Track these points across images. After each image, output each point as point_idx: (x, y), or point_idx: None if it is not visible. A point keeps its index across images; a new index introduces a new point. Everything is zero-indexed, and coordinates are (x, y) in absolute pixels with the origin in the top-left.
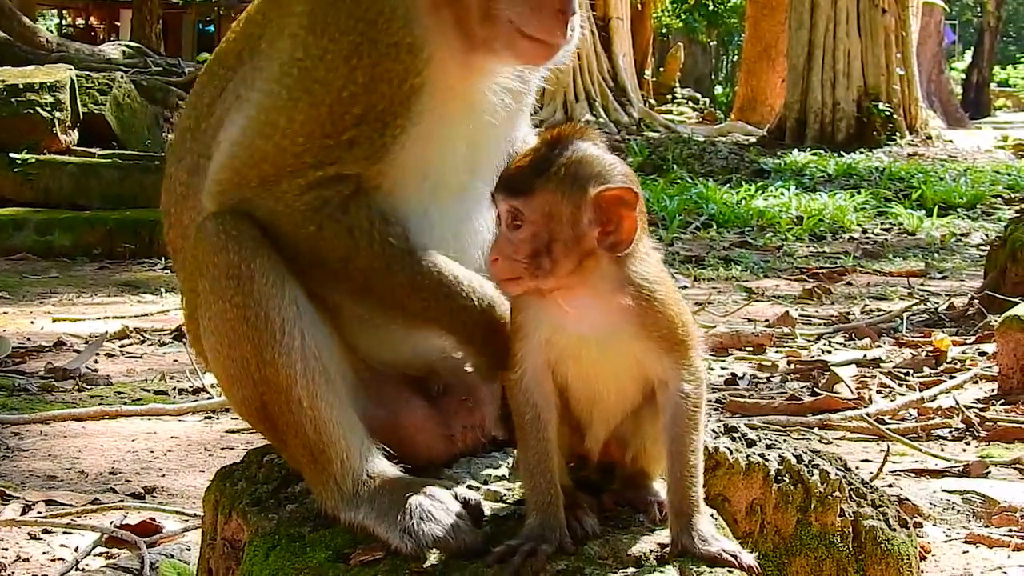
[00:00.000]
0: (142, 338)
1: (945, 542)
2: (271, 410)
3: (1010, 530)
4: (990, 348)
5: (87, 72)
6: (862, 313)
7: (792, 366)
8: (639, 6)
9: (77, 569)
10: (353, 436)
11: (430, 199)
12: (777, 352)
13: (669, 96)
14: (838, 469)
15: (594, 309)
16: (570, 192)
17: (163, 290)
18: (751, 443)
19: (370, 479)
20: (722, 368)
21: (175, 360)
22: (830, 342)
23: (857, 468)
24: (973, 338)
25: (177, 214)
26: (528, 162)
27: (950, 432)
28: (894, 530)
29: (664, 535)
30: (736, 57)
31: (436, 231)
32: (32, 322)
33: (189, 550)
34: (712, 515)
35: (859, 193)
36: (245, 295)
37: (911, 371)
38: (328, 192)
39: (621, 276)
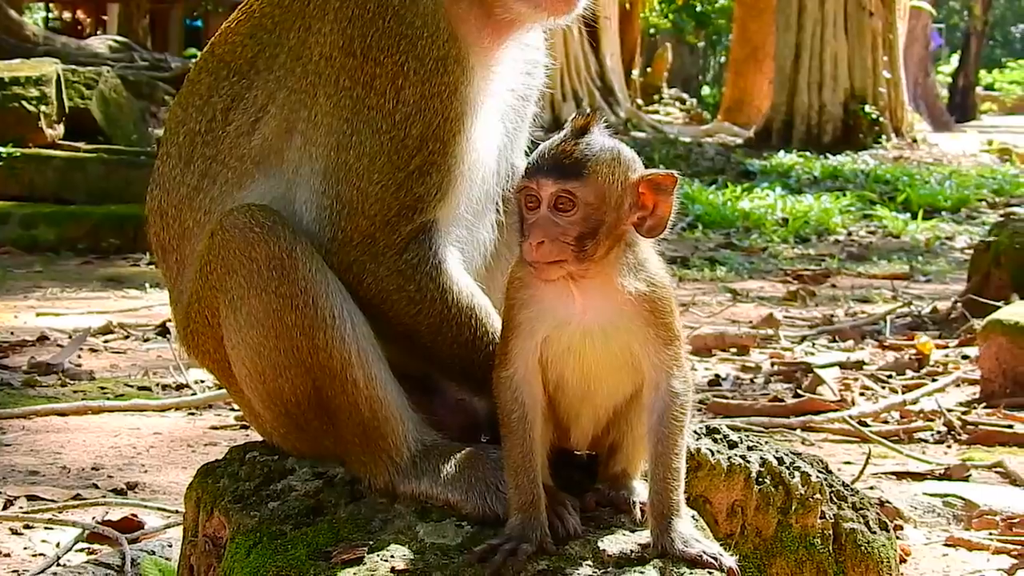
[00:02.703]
0: (126, 333)
1: (925, 544)
2: (324, 395)
3: (990, 533)
4: (973, 351)
5: (73, 66)
6: (846, 315)
7: (775, 368)
8: (627, 6)
9: (58, 565)
10: (404, 410)
11: (462, 223)
12: (761, 353)
13: (656, 96)
14: (819, 471)
15: (604, 298)
16: (618, 176)
17: (147, 285)
18: (733, 445)
19: (425, 449)
20: (706, 369)
21: (159, 356)
22: (814, 344)
23: (839, 470)
24: (956, 341)
25: (176, 215)
26: (572, 147)
27: (932, 435)
28: (874, 532)
29: (645, 536)
30: (724, 58)
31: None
32: (15, 316)
33: (171, 547)
34: (693, 516)
35: (844, 195)
36: (291, 283)
37: (894, 374)
38: (423, 250)
39: (633, 264)
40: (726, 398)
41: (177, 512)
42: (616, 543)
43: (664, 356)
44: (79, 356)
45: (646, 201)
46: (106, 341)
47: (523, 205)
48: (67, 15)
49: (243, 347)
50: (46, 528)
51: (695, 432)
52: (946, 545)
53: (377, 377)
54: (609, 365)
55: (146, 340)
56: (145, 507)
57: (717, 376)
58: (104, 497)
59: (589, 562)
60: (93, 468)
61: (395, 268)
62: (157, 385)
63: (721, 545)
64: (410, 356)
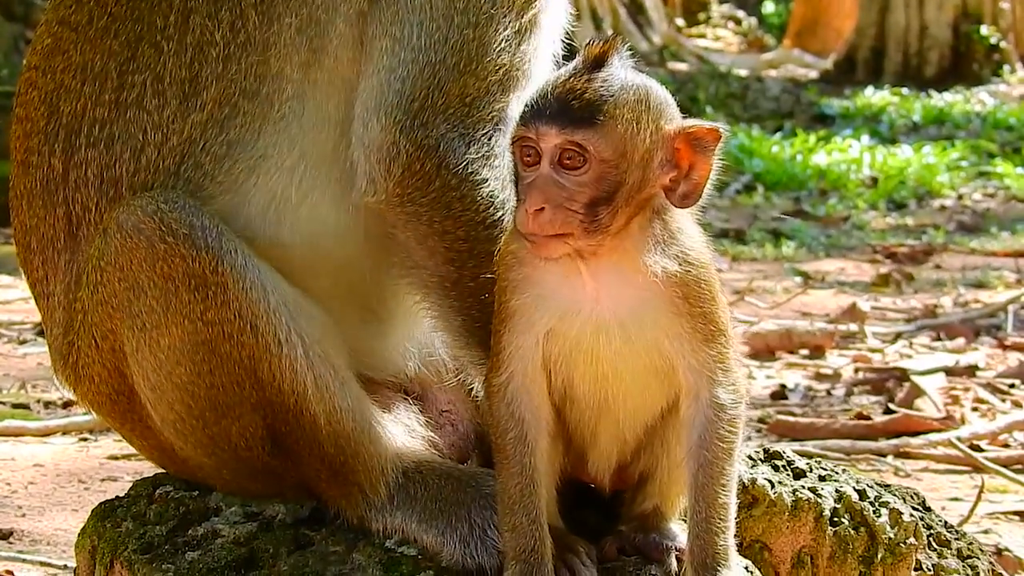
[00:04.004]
0: None
1: None
2: (279, 432)
3: None
4: None
5: None
6: (955, 306)
7: (860, 375)
8: None
9: None
10: (379, 441)
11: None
12: (841, 356)
13: (703, 16)
14: (914, 508)
15: (624, 281)
16: (646, 124)
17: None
18: (799, 474)
19: (406, 481)
20: (768, 377)
21: (40, 363)
22: (911, 343)
23: (943, 509)
24: None
25: (84, 199)
26: (583, 84)
27: None
28: None
29: None
30: None
31: None
32: None
33: None
34: (747, 568)
35: (953, 146)
36: (220, 307)
37: (1017, 382)
38: (500, 145)
39: (663, 237)
40: (794, 415)
41: (66, 567)
42: None
43: (704, 357)
44: None
45: (680, 160)
46: None
47: (520, 159)
48: None
49: (169, 388)
50: None
51: (750, 457)
52: None
53: (341, 408)
54: (633, 369)
55: (22, 342)
56: (24, 561)
57: (782, 386)
58: None
59: None
60: None
61: (483, 153)
62: (38, 402)
63: None
64: (442, 290)
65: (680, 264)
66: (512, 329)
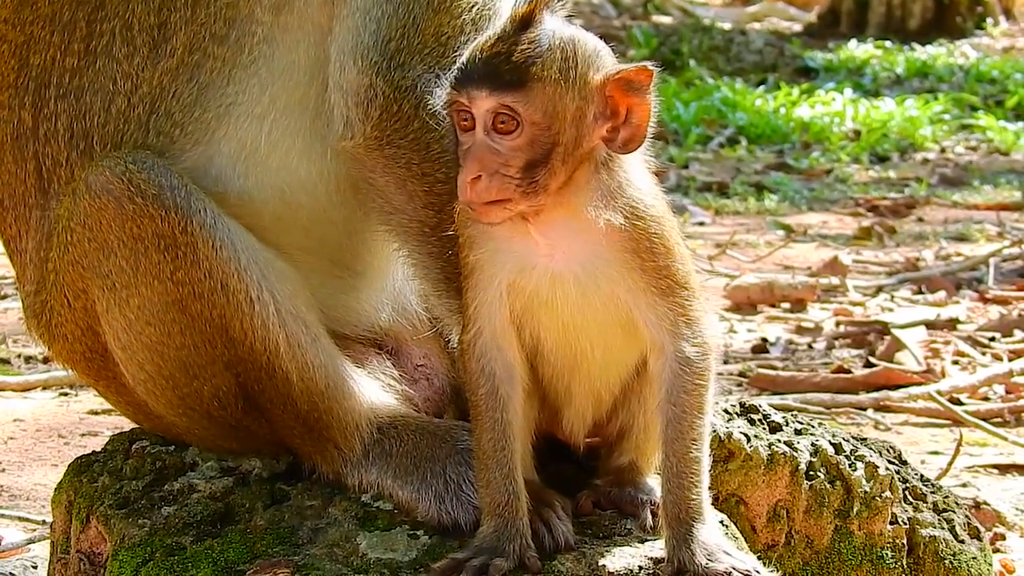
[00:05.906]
0: None
1: None
2: (252, 391)
3: None
4: None
5: None
6: (936, 259)
7: (841, 328)
8: None
9: None
10: (353, 397)
11: None
12: (822, 310)
13: None
14: (890, 462)
15: (572, 235)
16: (575, 79)
17: None
18: (775, 427)
19: (381, 436)
20: (748, 331)
21: (20, 318)
22: (892, 297)
23: (923, 463)
24: None
25: (54, 153)
26: (510, 48)
27: None
28: (962, 542)
29: (658, 547)
30: None
31: None
32: None
33: (36, 568)
34: (721, 522)
35: (936, 99)
36: (190, 267)
37: (998, 335)
38: None
39: (609, 188)
40: (775, 368)
41: (44, 523)
42: (620, 557)
43: (663, 311)
44: None
45: (617, 106)
46: None
47: (456, 124)
48: None
49: (138, 348)
50: None
51: (726, 411)
52: None
53: (314, 365)
54: (596, 322)
55: (3, 298)
56: (3, 516)
57: (763, 340)
58: None
59: None
60: None
61: None
62: (18, 357)
63: (759, 559)
64: (421, 236)
65: (626, 218)
66: (476, 284)
